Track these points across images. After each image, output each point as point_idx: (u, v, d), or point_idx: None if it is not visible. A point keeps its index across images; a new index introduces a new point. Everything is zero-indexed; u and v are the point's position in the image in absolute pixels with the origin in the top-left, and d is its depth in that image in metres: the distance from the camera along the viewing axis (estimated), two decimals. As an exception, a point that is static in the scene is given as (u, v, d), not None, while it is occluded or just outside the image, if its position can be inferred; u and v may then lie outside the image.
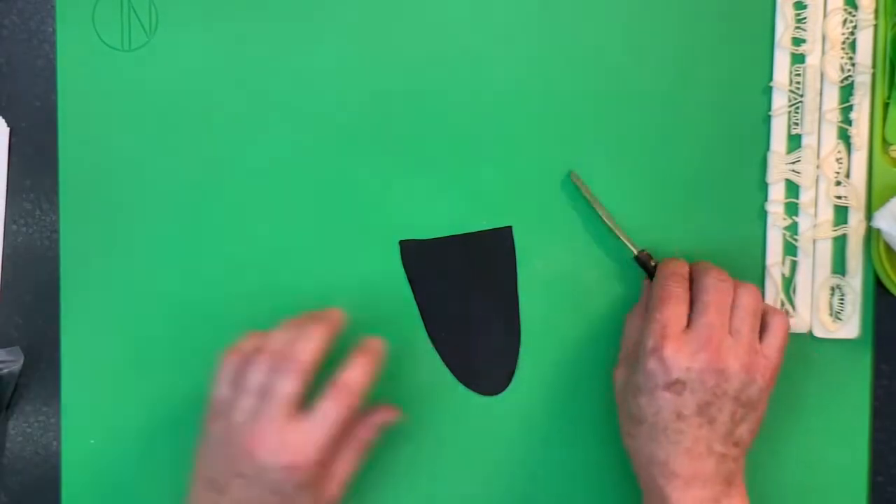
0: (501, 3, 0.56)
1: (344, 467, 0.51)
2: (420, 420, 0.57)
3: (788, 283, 0.56)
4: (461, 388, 0.57)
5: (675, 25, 0.56)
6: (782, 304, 0.56)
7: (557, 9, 0.57)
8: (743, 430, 0.49)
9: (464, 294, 0.56)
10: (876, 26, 0.55)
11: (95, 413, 0.57)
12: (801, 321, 0.56)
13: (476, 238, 0.56)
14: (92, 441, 0.57)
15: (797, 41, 0.56)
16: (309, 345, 0.49)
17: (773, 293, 0.56)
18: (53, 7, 0.57)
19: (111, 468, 0.56)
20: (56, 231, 0.57)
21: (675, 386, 0.48)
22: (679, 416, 0.48)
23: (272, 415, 0.48)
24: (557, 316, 0.57)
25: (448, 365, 0.57)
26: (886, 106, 0.55)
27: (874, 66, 0.55)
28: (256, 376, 0.49)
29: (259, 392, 0.48)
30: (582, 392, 0.57)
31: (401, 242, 0.56)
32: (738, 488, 0.50)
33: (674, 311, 0.50)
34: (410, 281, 0.56)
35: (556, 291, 0.57)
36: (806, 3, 0.55)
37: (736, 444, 0.49)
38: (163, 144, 0.57)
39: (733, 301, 0.50)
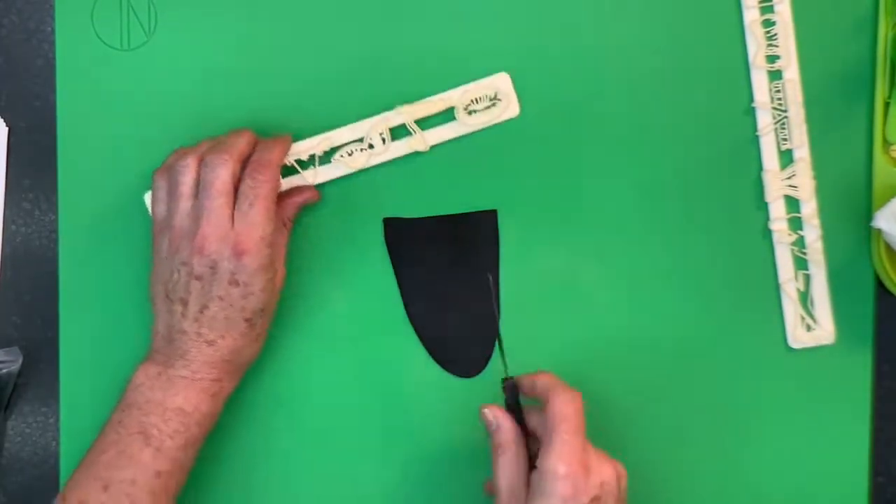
0: (490, 13, 0.57)
1: (281, 250, 0.53)
2: (394, 399, 0.57)
3: (805, 297, 0.56)
4: (437, 368, 0.57)
5: (647, 58, 0.56)
6: (803, 319, 0.56)
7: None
8: None
9: (444, 275, 0.57)
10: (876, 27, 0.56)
11: (94, 413, 0.55)
12: (825, 333, 0.56)
13: (460, 220, 0.56)
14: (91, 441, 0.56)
15: (771, 58, 0.56)
16: (237, 139, 0.51)
17: (792, 310, 0.56)
18: (52, 7, 0.57)
19: None
20: (55, 231, 0.57)
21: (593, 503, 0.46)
22: None
23: (211, 206, 0.50)
24: (536, 301, 0.57)
25: (425, 345, 0.57)
26: (887, 105, 0.55)
27: (875, 65, 0.55)
28: (187, 178, 0.51)
29: (193, 192, 0.50)
30: (558, 372, 0.55)
31: (385, 220, 0.57)
32: None
33: (581, 431, 0.48)
34: (392, 259, 0.56)
35: (536, 277, 0.57)
36: (774, 20, 0.56)
37: None
38: (162, 144, 0.56)
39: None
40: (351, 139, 0.55)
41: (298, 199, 0.55)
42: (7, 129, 0.57)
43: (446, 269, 0.56)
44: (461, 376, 0.57)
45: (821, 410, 0.56)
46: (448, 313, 0.57)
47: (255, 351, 0.53)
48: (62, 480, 0.57)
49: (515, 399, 0.50)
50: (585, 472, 0.47)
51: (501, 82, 0.56)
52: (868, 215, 0.56)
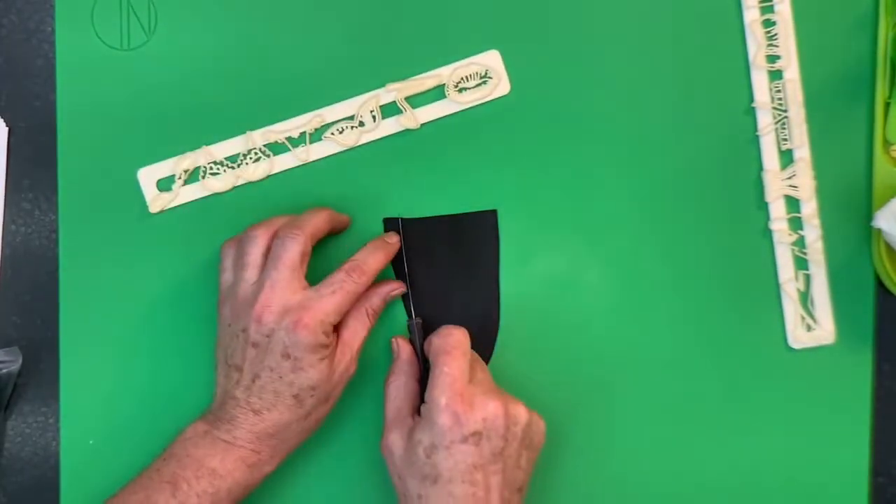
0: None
1: (356, 338, 0.53)
2: None
3: (805, 297, 0.56)
4: None
5: (646, 58, 0.57)
6: (803, 319, 0.56)
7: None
8: (524, 475, 0.51)
9: (445, 274, 0.56)
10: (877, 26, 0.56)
11: (94, 414, 0.57)
12: (825, 333, 0.56)
13: (460, 220, 0.56)
14: (91, 441, 0.57)
15: (772, 58, 0.56)
16: (311, 218, 0.52)
17: (792, 310, 0.56)
18: (52, 7, 0.57)
19: (110, 469, 0.56)
20: (55, 231, 0.57)
21: (473, 437, 0.49)
22: (476, 466, 0.49)
23: (276, 277, 0.50)
24: (537, 301, 0.56)
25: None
26: (887, 105, 0.55)
27: (875, 65, 0.55)
28: (255, 249, 0.51)
29: (260, 263, 0.51)
30: (558, 378, 0.57)
31: (385, 220, 0.57)
32: None
33: (460, 364, 0.51)
34: (393, 259, 0.56)
35: (535, 276, 0.57)
36: (774, 20, 0.56)
37: (519, 490, 0.51)
38: (162, 144, 0.57)
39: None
40: (342, 116, 0.56)
41: (385, 290, 0.55)
42: (7, 128, 0.57)
43: (446, 268, 0.56)
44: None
45: (821, 411, 0.56)
46: (449, 313, 0.56)
47: (303, 431, 0.52)
48: (62, 481, 0.57)
49: (419, 339, 0.54)
50: (467, 406, 0.49)
51: (492, 60, 0.56)
52: (868, 215, 0.56)
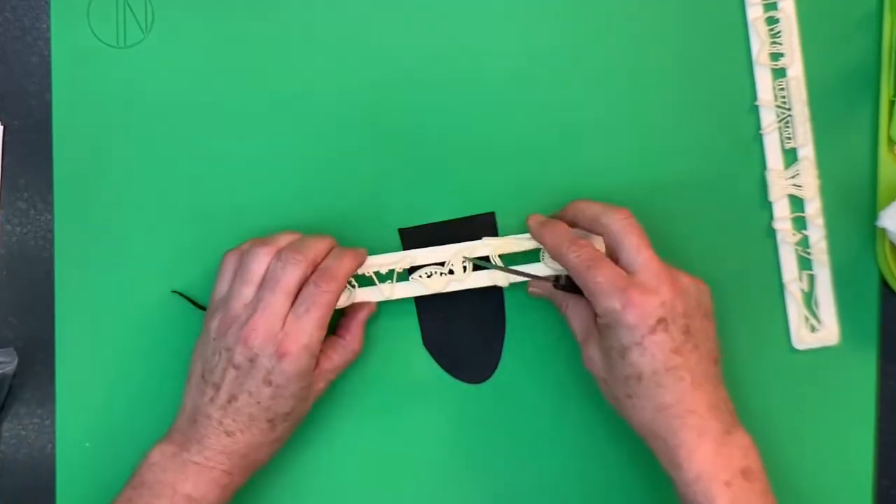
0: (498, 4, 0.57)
1: (329, 363, 0.53)
2: (404, 407, 0.57)
3: (809, 298, 0.56)
4: (445, 375, 0.57)
5: (648, 56, 0.56)
6: (807, 320, 0.56)
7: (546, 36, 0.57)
8: (714, 345, 0.50)
9: None
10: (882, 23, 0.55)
11: (91, 416, 0.57)
12: (829, 334, 0.56)
13: (459, 224, 0.56)
14: (87, 444, 0.57)
15: (775, 56, 0.56)
16: (316, 243, 0.51)
17: (796, 310, 0.56)
18: (48, 3, 0.57)
19: (106, 471, 0.55)
20: (51, 231, 0.57)
21: (660, 325, 0.48)
22: (675, 350, 0.48)
23: (270, 300, 0.50)
24: (543, 304, 0.56)
25: (432, 353, 0.57)
26: (892, 104, 0.55)
27: (879, 62, 0.55)
28: (257, 267, 0.51)
29: (258, 282, 0.50)
30: (566, 380, 0.56)
31: (401, 230, 0.56)
32: (738, 425, 0.49)
33: (609, 266, 0.49)
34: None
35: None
36: (777, 17, 0.55)
37: (715, 362, 0.50)
38: (159, 143, 0.56)
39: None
40: (433, 261, 0.55)
41: (362, 316, 0.54)
42: (2, 127, 0.57)
43: None
44: (470, 383, 0.57)
45: (825, 412, 0.56)
46: (456, 319, 0.56)
47: (270, 453, 0.52)
48: (57, 484, 0.56)
49: (570, 283, 0.52)
50: (640, 299, 0.48)
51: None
52: (873, 214, 0.56)
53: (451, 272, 0.54)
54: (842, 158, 0.56)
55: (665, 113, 0.56)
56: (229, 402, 0.50)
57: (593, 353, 0.51)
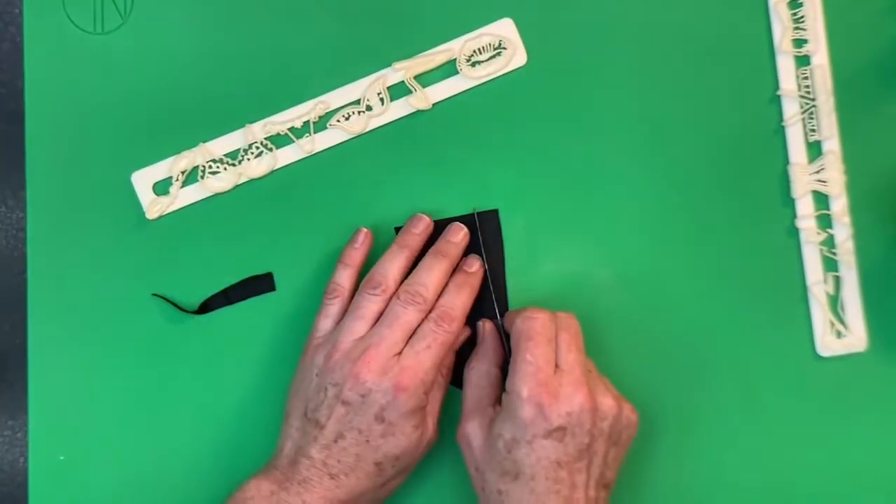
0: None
1: (436, 403, 0.52)
2: None
3: (835, 301, 0.55)
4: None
5: (665, 43, 0.55)
6: (832, 325, 0.55)
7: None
8: (611, 472, 0.50)
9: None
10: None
11: (65, 427, 0.55)
12: (856, 340, 0.55)
13: (462, 221, 0.55)
14: (61, 457, 0.56)
15: (798, 42, 0.55)
16: (439, 280, 0.51)
17: (821, 315, 0.55)
18: (21, -13, 0.56)
19: (81, 485, 0.55)
20: (23, 230, 0.56)
21: (557, 433, 0.47)
22: (559, 463, 0.47)
23: (387, 336, 0.49)
24: (544, 303, 0.54)
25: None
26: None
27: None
28: (375, 306, 0.51)
29: (374, 319, 0.50)
30: None
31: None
32: None
33: (544, 352, 0.49)
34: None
35: (544, 277, 0.55)
36: (801, 1, 0.55)
37: (605, 487, 0.49)
38: (139, 134, 0.55)
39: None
40: (347, 102, 0.54)
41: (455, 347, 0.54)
42: (-29, 119, 0.56)
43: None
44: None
45: (852, 423, 0.55)
46: None
47: (374, 502, 0.51)
48: (30, 498, 0.55)
49: (502, 326, 0.53)
50: (551, 399, 0.47)
51: (506, 29, 0.54)
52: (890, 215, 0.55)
53: (368, 109, 0.54)
54: (869, 152, 0.55)
55: (680, 103, 0.55)
56: (335, 440, 0.49)
57: (475, 430, 0.50)
